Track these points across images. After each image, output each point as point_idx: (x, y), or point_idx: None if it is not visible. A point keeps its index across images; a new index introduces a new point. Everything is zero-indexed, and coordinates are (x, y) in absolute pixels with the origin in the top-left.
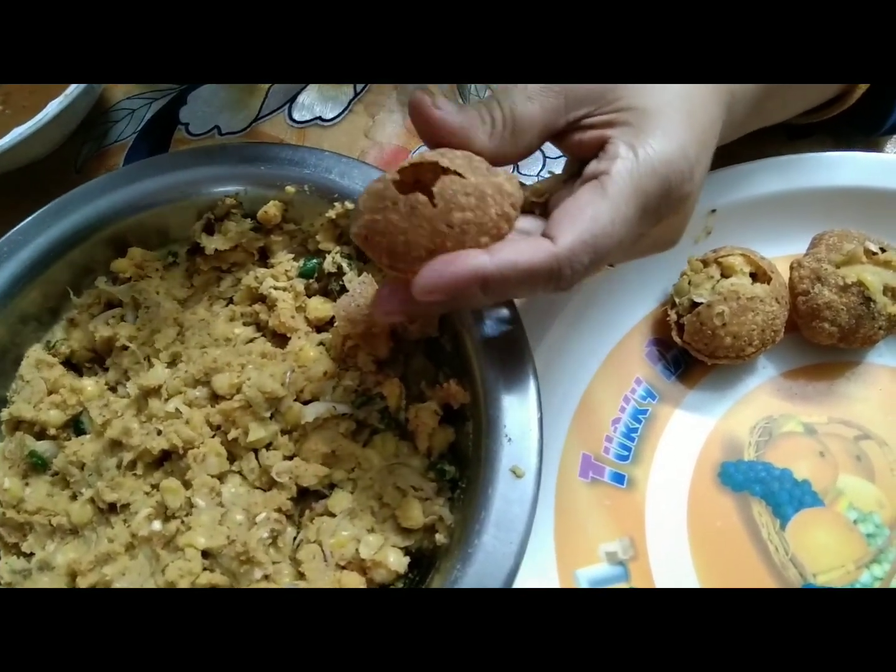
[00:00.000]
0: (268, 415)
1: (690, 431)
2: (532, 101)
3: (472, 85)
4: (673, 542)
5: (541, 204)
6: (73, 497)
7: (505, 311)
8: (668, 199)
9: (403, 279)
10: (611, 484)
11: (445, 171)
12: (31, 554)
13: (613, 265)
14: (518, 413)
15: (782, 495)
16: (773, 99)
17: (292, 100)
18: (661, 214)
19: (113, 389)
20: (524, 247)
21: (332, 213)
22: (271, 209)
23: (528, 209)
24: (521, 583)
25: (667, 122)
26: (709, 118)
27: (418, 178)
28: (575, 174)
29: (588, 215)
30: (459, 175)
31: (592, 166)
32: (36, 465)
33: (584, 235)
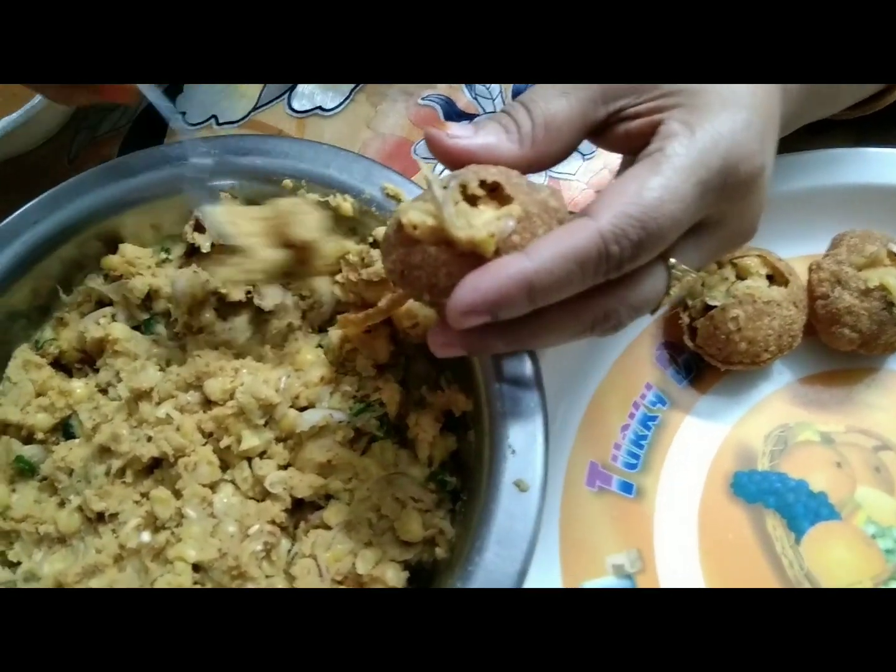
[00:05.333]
0: (262, 422)
1: (702, 439)
2: (566, 94)
3: None
4: (683, 555)
5: None
6: (61, 504)
7: None
8: (736, 175)
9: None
10: (619, 493)
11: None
12: (18, 563)
13: (698, 271)
14: (523, 423)
15: (797, 508)
16: (819, 96)
17: (292, 89)
18: (729, 193)
19: (104, 391)
20: (561, 233)
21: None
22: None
23: None
24: None
25: (724, 97)
26: (767, 92)
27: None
28: None
29: (634, 188)
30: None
31: (645, 150)
32: (23, 471)
33: (628, 208)
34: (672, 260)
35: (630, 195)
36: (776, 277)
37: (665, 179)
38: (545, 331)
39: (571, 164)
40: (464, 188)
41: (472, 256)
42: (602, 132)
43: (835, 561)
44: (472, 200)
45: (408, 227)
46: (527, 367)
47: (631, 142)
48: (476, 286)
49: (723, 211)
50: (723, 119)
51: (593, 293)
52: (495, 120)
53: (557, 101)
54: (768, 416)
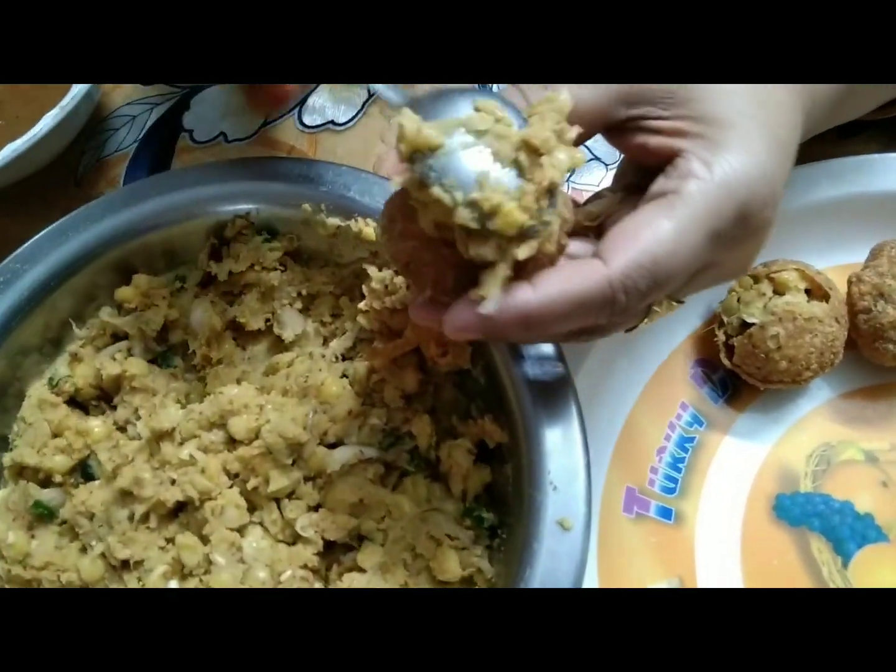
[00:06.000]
0: (289, 461)
1: (741, 461)
2: (590, 89)
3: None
4: (726, 582)
5: (594, 227)
6: (83, 549)
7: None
8: (746, 225)
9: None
10: (657, 519)
11: None
12: None
13: (682, 301)
14: (563, 456)
15: (843, 530)
16: (852, 98)
17: (302, 103)
18: (736, 242)
19: (122, 429)
20: (571, 273)
21: None
22: None
23: (580, 231)
24: None
25: (745, 135)
26: (789, 128)
27: None
28: (632, 187)
29: (648, 237)
30: None
31: (660, 184)
32: (42, 516)
33: (641, 258)
34: None
35: (643, 243)
36: (814, 291)
37: (680, 227)
38: (530, 340)
39: (594, 175)
40: None
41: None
42: (618, 133)
43: (885, 585)
44: None
45: (428, 229)
46: (564, 394)
47: (646, 156)
48: (476, 310)
49: (725, 255)
50: (743, 164)
51: None
52: (503, 94)
53: (580, 89)
54: (809, 434)
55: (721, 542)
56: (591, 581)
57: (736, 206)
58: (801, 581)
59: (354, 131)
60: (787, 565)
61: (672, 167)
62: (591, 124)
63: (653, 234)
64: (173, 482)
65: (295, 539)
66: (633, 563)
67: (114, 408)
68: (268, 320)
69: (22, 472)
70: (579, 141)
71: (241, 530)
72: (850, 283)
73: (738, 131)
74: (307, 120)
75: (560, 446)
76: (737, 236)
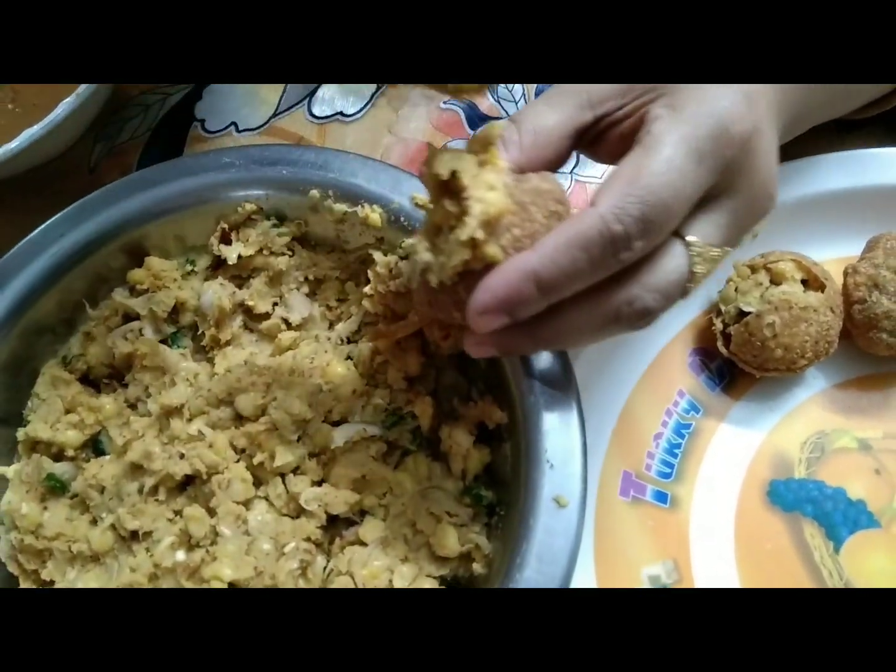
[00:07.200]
0: (295, 437)
1: (737, 447)
2: (551, 104)
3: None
4: (719, 565)
5: None
6: (94, 521)
7: None
8: (729, 137)
9: None
10: (653, 503)
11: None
12: (52, 582)
13: (725, 249)
14: (560, 436)
15: (836, 516)
16: (827, 94)
17: (312, 94)
18: (727, 158)
19: (133, 406)
20: (564, 224)
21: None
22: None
23: None
24: None
25: (709, 85)
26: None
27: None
28: None
29: (628, 171)
30: None
31: (636, 139)
32: (54, 488)
33: (626, 188)
34: (690, 237)
35: (626, 176)
36: (811, 282)
37: (658, 154)
38: (569, 326)
39: (597, 167)
40: None
41: (484, 266)
42: (598, 142)
43: (875, 570)
44: None
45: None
46: (563, 377)
47: (626, 143)
48: (487, 287)
49: (728, 179)
50: (706, 94)
51: (611, 283)
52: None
53: (544, 112)
54: (804, 422)
55: (715, 526)
56: (587, 562)
57: (707, 122)
58: (794, 565)
59: (363, 122)
60: (779, 549)
61: (641, 123)
62: (566, 136)
63: (634, 166)
64: (182, 456)
65: (299, 513)
66: (629, 545)
67: (125, 386)
68: (275, 303)
69: (35, 446)
70: (562, 155)
71: (246, 503)
72: (845, 274)
73: (700, 86)
74: (316, 111)
75: (557, 426)
76: (723, 150)
